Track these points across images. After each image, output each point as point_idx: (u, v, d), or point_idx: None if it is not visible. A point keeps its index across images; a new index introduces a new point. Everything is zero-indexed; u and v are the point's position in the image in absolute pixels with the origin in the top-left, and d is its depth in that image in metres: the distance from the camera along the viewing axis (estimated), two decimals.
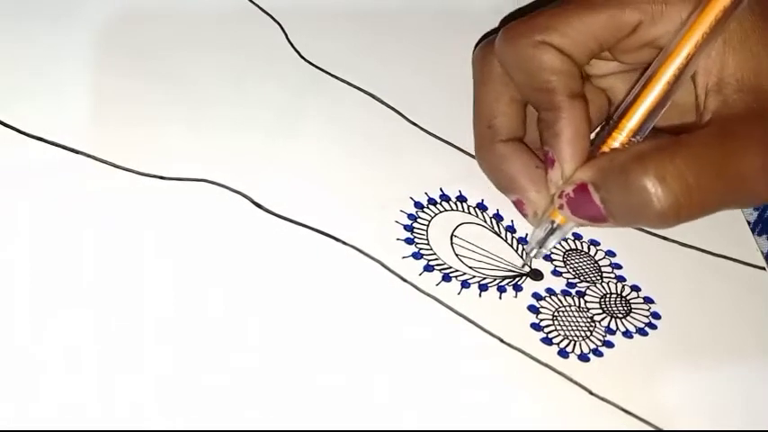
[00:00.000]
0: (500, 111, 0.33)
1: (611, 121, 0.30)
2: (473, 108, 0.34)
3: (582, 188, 0.29)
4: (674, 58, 0.29)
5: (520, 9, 0.41)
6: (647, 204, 0.27)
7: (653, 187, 0.27)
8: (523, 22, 0.31)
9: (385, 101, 0.37)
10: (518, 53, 0.31)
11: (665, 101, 0.30)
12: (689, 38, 0.29)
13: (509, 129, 0.33)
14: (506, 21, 0.40)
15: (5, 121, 0.32)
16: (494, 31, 0.38)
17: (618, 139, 0.30)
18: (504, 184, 0.33)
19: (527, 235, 0.34)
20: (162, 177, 0.32)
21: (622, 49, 0.31)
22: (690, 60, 0.29)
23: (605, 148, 0.30)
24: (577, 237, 0.35)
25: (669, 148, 0.28)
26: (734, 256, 0.36)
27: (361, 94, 0.38)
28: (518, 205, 0.32)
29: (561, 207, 0.30)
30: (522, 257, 0.33)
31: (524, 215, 0.32)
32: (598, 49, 0.31)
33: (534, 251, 0.32)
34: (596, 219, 0.29)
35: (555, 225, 0.31)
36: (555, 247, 0.34)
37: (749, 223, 0.38)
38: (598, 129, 0.33)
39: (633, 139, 0.30)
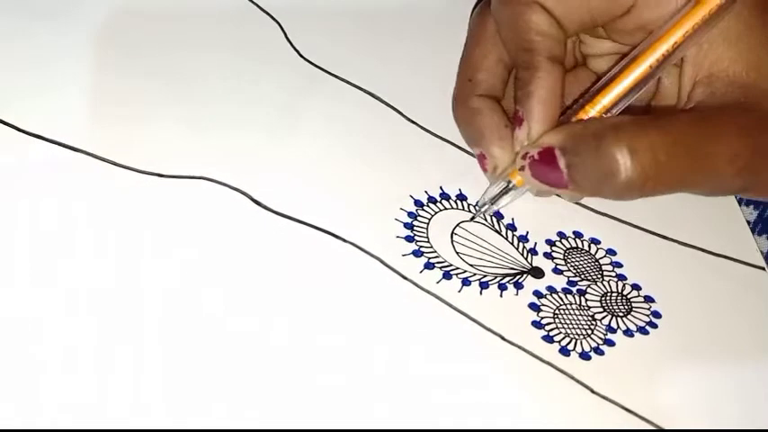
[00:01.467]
0: (484, 67, 0.33)
1: (585, 95, 0.30)
2: (459, 62, 0.34)
3: (548, 152, 0.29)
4: (658, 44, 0.29)
5: None
6: (614, 173, 0.28)
7: (623, 157, 0.27)
8: None
9: (385, 100, 0.37)
10: (510, 10, 0.31)
11: (642, 84, 0.30)
12: (678, 27, 0.29)
13: (488, 85, 0.33)
14: None
15: (4, 120, 0.32)
16: None
17: (590, 113, 0.30)
18: (471, 136, 0.33)
19: (528, 233, 0.34)
20: (161, 175, 0.32)
21: (616, 28, 0.31)
22: (676, 49, 0.29)
23: (575, 120, 0.30)
24: (578, 235, 0.35)
25: (646, 123, 0.28)
26: (733, 256, 0.36)
27: (361, 93, 0.37)
28: (480, 160, 0.32)
29: (522, 168, 0.30)
30: (521, 253, 0.33)
31: (484, 170, 0.32)
32: (590, 23, 0.31)
33: (486, 207, 0.32)
34: (556, 184, 0.29)
35: (511, 185, 0.31)
36: (556, 246, 0.34)
37: (749, 223, 0.38)
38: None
39: (604, 116, 0.30)
